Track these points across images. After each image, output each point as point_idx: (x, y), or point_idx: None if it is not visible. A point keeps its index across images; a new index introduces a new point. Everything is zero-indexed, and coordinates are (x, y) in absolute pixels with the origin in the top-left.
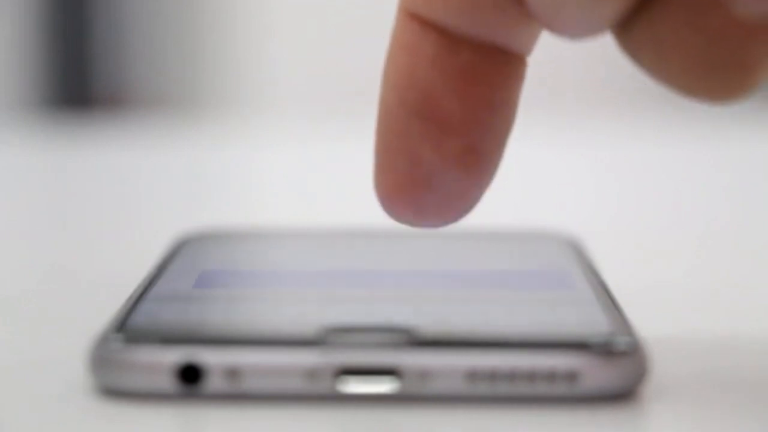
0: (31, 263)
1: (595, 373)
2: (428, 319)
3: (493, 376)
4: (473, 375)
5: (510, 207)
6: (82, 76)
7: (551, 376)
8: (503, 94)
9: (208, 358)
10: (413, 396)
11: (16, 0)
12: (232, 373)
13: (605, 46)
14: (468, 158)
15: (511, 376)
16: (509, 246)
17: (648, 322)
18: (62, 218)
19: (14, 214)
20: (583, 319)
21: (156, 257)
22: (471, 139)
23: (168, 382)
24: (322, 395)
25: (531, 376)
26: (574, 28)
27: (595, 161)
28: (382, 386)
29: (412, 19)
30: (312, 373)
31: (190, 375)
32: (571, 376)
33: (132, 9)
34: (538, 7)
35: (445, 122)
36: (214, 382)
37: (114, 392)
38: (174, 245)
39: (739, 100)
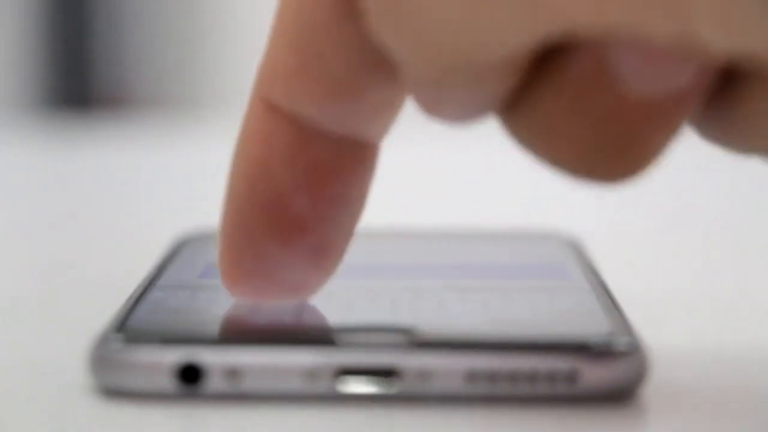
0: (31, 263)
1: (595, 373)
2: (428, 319)
3: (493, 376)
4: (473, 375)
5: (510, 207)
6: (82, 76)
7: (551, 376)
8: (355, 189)
9: (208, 358)
10: (413, 396)
11: (16, 0)
12: (232, 373)
13: None
14: (315, 255)
15: (512, 376)
16: (509, 246)
17: (648, 323)
18: (62, 218)
19: (14, 214)
20: (583, 319)
21: (156, 257)
22: (319, 236)
23: (168, 382)
24: (322, 395)
25: (531, 376)
26: (455, 112)
27: None
28: (382, 386)
29: (267, 107)
30: (312, 373)
31: (190, 375)
32: (571, 376)
33: (132, 9)
34: (416, 93)
35: (295, 221)
36: (214, 382)
37: (114, 392)
38: (174, 245)
39: (632, 180)
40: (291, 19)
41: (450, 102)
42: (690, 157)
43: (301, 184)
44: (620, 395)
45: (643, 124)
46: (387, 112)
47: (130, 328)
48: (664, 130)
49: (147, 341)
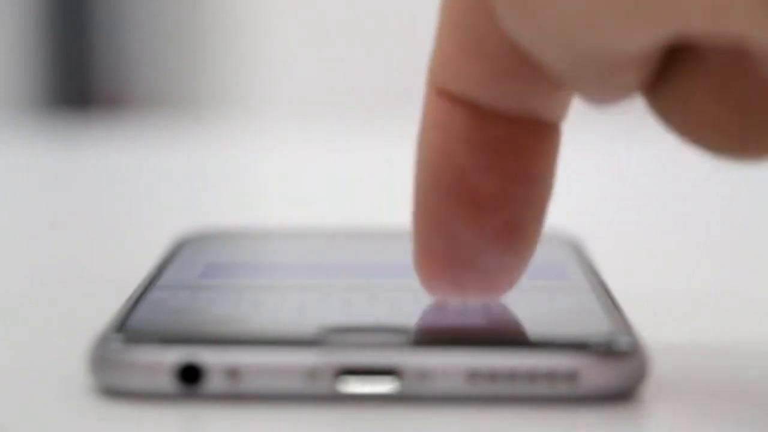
0: (31, 263)
1: (595, 373)
2: (428, 319)
3: (493, 376)
4: (473, 375)
5: None
6: (82, 76)
7: (551, 376)
8: (539, 166)
9: (208, 358)
10: (413, 396)
11: (16, 0)
12: (232, 373)
13: None
14: (508, 235)
15: (511, 376)
16: None
17: (648, 323)
18: (62, 218)
19: (14, 214)
20: (583, 319)
21: (156, 257)
22: (509, 215)
23: (168, 382)
24: (322, 395)
25: (531, 376)
26: (598, 97)
27: (595, 161)
28: (382, 386)
29: (441, 95)
30: (312, 373)
31: (190, 375)
32: (571, 376)
33: (132, 9)
34: (562, 78)
35: (482, 200)
36: (214, 382)
37: (114, 392)
38: (174, 245)
39: None
40: (454, 4)
41: (592, 88)
42: (690, 156)
43: (483, 163)
44: (620, 395)
45: None
46: (556, 93)
47: (130, 328)
48: None
49: (147, 341)
